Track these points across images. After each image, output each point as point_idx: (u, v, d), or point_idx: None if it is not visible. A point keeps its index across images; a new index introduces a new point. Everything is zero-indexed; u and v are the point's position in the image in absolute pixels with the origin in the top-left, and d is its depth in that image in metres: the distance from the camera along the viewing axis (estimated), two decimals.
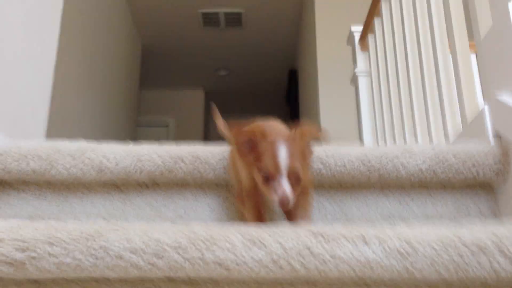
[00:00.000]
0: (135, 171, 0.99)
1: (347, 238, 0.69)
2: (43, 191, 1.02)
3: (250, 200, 0.85)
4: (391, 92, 1.87)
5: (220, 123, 0.99)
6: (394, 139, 1.80)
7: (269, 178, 0.75)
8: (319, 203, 1.02)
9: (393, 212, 1.00)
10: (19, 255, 0.68)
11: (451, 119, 1.31)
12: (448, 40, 1.33)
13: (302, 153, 0.78)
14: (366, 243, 0.69)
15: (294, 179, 0.75)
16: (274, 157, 0.74)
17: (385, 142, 1.90)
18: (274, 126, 0.85)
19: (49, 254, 0.68)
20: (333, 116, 3.32)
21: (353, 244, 0.69)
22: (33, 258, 0.68)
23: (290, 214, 0.85)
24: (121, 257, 0.68)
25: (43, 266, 0.68)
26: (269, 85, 5.99)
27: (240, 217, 0.93)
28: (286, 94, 5.94)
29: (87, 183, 1.02)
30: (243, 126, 0.81)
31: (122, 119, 4.62)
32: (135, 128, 5.22)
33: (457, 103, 1.26)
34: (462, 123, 1.20)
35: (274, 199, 0.75)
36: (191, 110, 6.17)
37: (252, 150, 0.78)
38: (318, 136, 0.81)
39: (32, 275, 0.70)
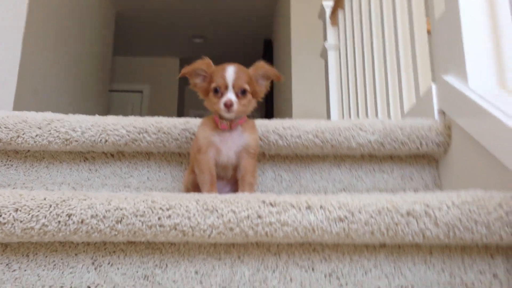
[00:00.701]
0: (101, 141, 1.03)
1: (294, 205, 0.76)
2: (10, 160, 1.05)
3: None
4: (356, 67, 1.93)
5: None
6: (358, 112, 1.87)
7: (219, 91, 0.92)
8: (276, 173, 1.09)
9: (344, 181, 1.07)
10: None
11: (407, 94, 1.38)
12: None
13: (250, 79, 0.95)
14: (310, 209, 0.76)
15: (240, 91, 0.92)
16: (223, 75, 0.92)
17: (350, 114, 1.97)
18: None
19: (15, 219, 0.73)
20: (305, 87, 3.38)
21: (298, 211, 0.76)
22: (2, 223, 0.73)
23: (236, 177, 0.94)
24: (83, 222, 0.74)
25: (10, 231, 0.73)
26: (244, 54, 5.98)
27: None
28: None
29: (54, 153, 1.06)
30: (195, 63, 0.98)
31: (95, 86, 4.58)
32: (109, 94, 5.18)
33: (413, 80, 1.33)
34: (416, 98, 1.27)
35: (220, 104, 0.91)
36: (166, 77, 6.14)
37: (205, 78, 0.96)
38: (270, 71, 0.97)
39: (1, 239, 0.75)
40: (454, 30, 1.02)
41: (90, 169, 1.07)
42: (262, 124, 1.07)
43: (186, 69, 0.97)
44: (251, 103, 0.95)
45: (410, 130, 1.04)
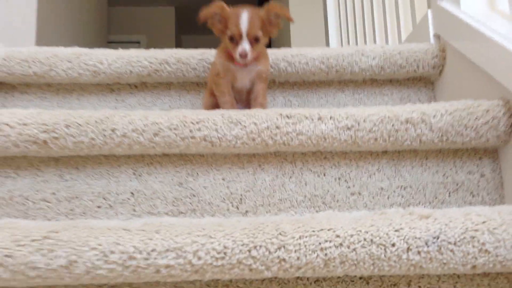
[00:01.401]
0: (126, 72, 1.13)
1: (307, 116, 0.87)
2: (44, 92, 1.15)
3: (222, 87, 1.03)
4: None
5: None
6: (356, 41, 1.95)
7: (234, 39, 0.98)
8: (286, 99, 1.19)
9: (348, 104, 1.18)
10: (42, 135, 0.83)
11: (404, 22, 1.46)
12: None
13: (263, 22, 0.99)
14: (321, 119, 0.87)
15: (253, 39, 0.98)
16: (237, 24, 0.97)
17: (348, 41, 2.05)
18: (244, 5, 1.04)
19: (67, 134, 0.84)
20: (303, 20, 3.41)
21: (311, 121, 0.87)
22: (54, 138, 0.84)
23: (250, 101, 1.05)
24: (125, 136, 0.85)
25: (62, 144, 0.84)
26: None
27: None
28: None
29: (83, 85, 1.16)
30: (210, 6, 1.00)
31: (93, 37, 4.59)
32: (106, 45, 5.19)
33: (409, 7, 1.41)
34: (412, 24, 1.36)
35: (236, 53, 0.98)
36: (163, 27, 6.11)
37: (220, 21, 1.01)
38: (281, 12, 1.01)
39: (53, 152, 0.86)
40: None
41: (116, 100, 1.17)
42: (272, 52, 1.16)
43: (203, 14, 1.01)
44: (264, 42, 1.02)
45: (408, 54, 1.13)
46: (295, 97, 1.19)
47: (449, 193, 0.90)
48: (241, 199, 0.89)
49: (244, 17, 0.97)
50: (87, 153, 0.87)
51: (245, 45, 0.97)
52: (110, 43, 5.56)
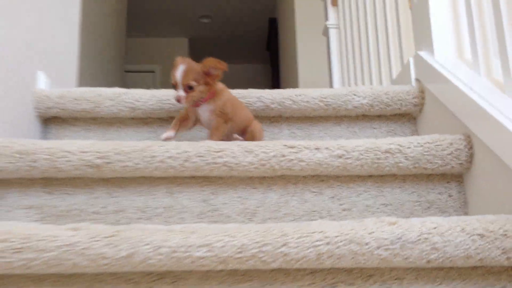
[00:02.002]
0: (158, 109, 1.36)
1: (306, 147, 1.09)
2: (89, 125, 1.38)
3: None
4: (354, 42, 2.23)
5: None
6: (356, 80, 2.18)
7: (174, 86, 1.19)
8: (290, 131, 1.42)
9: (343, 136, 1.40)
10: (97, 161, 1.06)
11: (394, 64, 1.69)
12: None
13: (200, 74, 1.19)
14: (318, 149, 1.09)
15: (187, 87, 1.18)
16: (174, 74, 1.18)
17: (349, 82, 2.28)
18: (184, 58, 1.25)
19: (116, 160, 1.06)
20: (310, 63, 3.67)
21: (310, 150, 1.09)
22: (106, 162, 1.06)
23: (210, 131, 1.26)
24: (162, 161, 1.07)
25: (112, 168, 1.07)
26: (251, 32, 6.25)
27: None
28: (267, 41, 6.22)
29: (122, 119, 1.39)
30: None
31: (112, 67, 4.89)
32: (124, 74, 5.48)
33: (399, 53, 1.64)
34: (401, 67, 1.58)
35: (174, 98, 1.18)
36: (176, 57, 6.41)
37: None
38: (217, 65, 1.20)
39: (104, 175, 1.08)
40: (425, 15, 1.33)
41: (149, 131, 1.39)
42: (278, 93, 1.38)
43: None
44: (203, 90, 1.20)
45: (393, 94, 1.36)
46: (299, 129, 1.41)
47: (423, 210, 1.11)
48: (253, 213, 1.10)
49: (180, 69, 1.18)
50: (131, 175, 1.09)
51: (180, 92, 1.18)
52: (127, 72, 5.86)
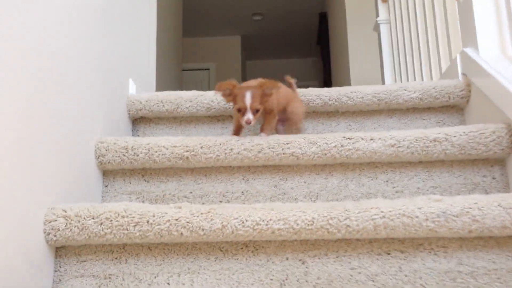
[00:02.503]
0: (229, 107, 1.57)
1: (362, 138, 1.26)
2: (171, 124, 1.61)
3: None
4: (405, 38, 2.35)
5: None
6: (407, 76, 2.30)
7: (241, 111, 1.28)
8: (347, 124, 1.58)
9: (395, 127, 1.55)
10: (186, 153, 1.28)
11: (443, 60, 1.81)
12: None
13: (261, 96, 1.28)
14: (372, 140, 1.25)
15: (255, 111, 1.27)
16: (243, 100, 1.26)
17: (401, 78, 2.41)
18: (248, 83, 1.37)
19: (201, 152, 1.27)
20: (361, 57, 3.78)
21: (366, 141, 1.25)
22: (193, 155, 1.28)
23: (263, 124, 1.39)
24: (239, 153, 1.27)
25: (198, 159, 1.28)
26: (301, 28, 6.39)
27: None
28: (317, 36, 6.34)
29: (199, 117, 1.61)
30: (224, 83, 1.31)
31: (171, 66, 5.19)
32: (181, 72, 5.79)
33: (447, 49, 1.76)
34: (449, 63, 1.71)
35: (242, 121, 1.27)
36: (229, 54, 6.68)
37: (230, 95, 1.31)
38: (272, 86, 1.29)
39: (191, 165, 1.30)
40: (469, 13, 1.45)
41: (222, 127, 1.60)
42: (335, 90, 1.55)
43: (219, 87, 1.30)
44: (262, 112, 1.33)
45: (441, 88, 1.49)
46: (354, 122, 1.57)
47: (469, 191, 1.25)
48: (317, 195, 1.28)
49: (247, 96, 1.26)
50: (213, 165, 1.30)
51: (249, 115, 1.26)
52: (184, 71, 6.17)
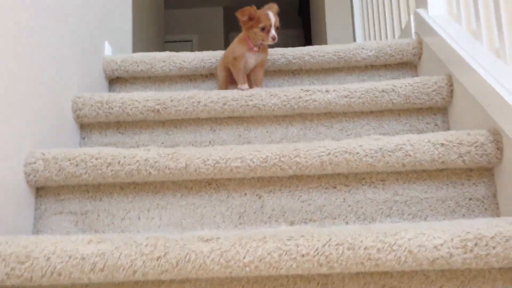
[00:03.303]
0: (200, 67, 1.67)
1: (319, 90, 1.38)
2: (146, 83, 1.72)
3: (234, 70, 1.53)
4: (373, 5, 2.45)
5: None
6: (375, 34, 2.41)
7: (265, 29, 1.45)
8: (310, 81, 1.70)
9: (354, 83, 1.67)
10: (157, 107, 1.39)
11: (404, 20, 1.92)
12: None
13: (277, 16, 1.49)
14: (328, 91, 1.37)
15: (277, 29, 1.46)
16: (268, 18, 1.45)
17: (370, 36, 2.51)
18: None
19: (172, 105, 1.38)
20: (337, 23, 3.87)
21: (322, 92, 1.37)
22: (164, 108, 1.39)
23: (251, 80, 1.56)
24: (206, 105, 1.38)
25: (169, 112, 1.39)
26: None
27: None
28: (299, 7, 6.38)
29: (172, 77, 1.71)
30: (245, 9, 1.48)
31: (153, 38, 5.23)
32: (164, 44, 5.83)
33: (407, 10, 1.87)
34: (406, 23, 1.82)
35: (268, 38, 1.45)
36: (212, 26, 6.71)
37: (250, 19, 1.47)
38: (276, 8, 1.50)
39: (162, 118, 1.41)
40: None
41: (194, 86, 1.71)
42: (299, 49, 1.66)
43: (241, 12, 1.48)
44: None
45: (395, 46, 1.61)
46: (317, 80, 1.69)
47: None
48: (279, 142, 1.41)
49: (272, 15, 1.46)
50: (182, 117, 1.42)
51: (273, 32, 1.45)
52: (167, 42, 6.21)
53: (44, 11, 1.23)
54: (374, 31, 2.43)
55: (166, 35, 6.21)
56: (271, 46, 1.60)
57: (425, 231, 0.82)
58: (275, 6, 1.51)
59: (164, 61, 1.66)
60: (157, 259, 0.83)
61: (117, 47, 1.89)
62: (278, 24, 1.47)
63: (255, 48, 1.50)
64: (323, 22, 4.16)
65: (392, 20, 2.06)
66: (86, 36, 1.54)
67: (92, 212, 1.16)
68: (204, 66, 1.67)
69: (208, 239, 0.85)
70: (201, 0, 6.51)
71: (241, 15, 1.49)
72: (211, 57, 1.68)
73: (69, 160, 1.13)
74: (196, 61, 1.67)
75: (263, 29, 1.46)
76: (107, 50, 1.72)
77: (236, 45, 1.55)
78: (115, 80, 1.73)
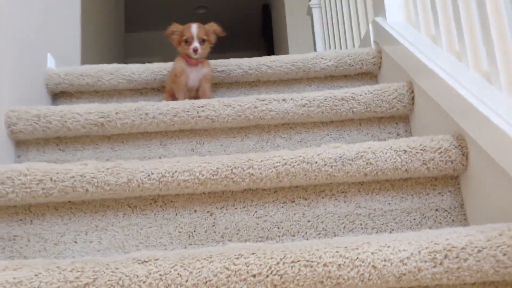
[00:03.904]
0: (151, 80, 1.57)
1: (275, 99, 1.29)
2: (93, 97, 1.60)
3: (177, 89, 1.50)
4: (332, 16, 2.42)
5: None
6: (335, 46, 2.37)
7: (188, 41, 1.45)
8: (267, 93, 1.62)
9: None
10: (101, 120, 1.27)
11: (363, 28, 1.88)
12: None
13: (206, 32, 1.49)
14: (284, 100, 1.29)
15: (201, 41, 1.47)
16: (190, 31, 1.46)
17: (330, 48, 2.47)
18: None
19: (117, 118, 1.27)
20: (298, 43, 3.86)
21: (278, 102, 1.29)
22: (109, 121, 1.27)
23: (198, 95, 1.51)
24: (154, 117, 1.28)
25: (113, 125, 1.28)
26: (245, 19, 6.42)
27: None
28: (262, 29, 6.39)
29: (121, 91, 1.60)
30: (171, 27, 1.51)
31: (113, 61, 5.10)
32: None
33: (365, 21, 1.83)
34: (364, 33, 1.78)
35: (190, 50, 1.45)
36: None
37: (179, 35, 1.48)
38: (217, 30, 1.53)
39: (107, 132, 1.29)
40: None
41: (145, 99, 1.60)
42: (256, 60, 1.59)
43: (166, 33, 1.52)
44: (207, 47, 1.50)
45: (355, 56, 1.55)
46: (275, 92, 1.61)
47: None
48: None
49: (194, 26, 1.45)
50: (129, 131, 1.30)
51: (196, 44, 1.44)
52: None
53: None
54: (335, 43, 2.39)
55: (128, 58, 6.09)
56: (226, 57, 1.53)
57: (390, 243, 0.74)
58: (211, 26, 1.52)
59: (112, 74, 1.55)
60: (84, 287, 0.71)
61: (62, 60, 1.77)
62: (203, 35, 1.47)
63: (191, 60, 1.49)
64: (285, 40, 4.14)
65: (352, 30, 2.03)
66: (24, 45, 1.42)
67: (21, 237, 1.02)
68: (155, 79, 1.57)
69: (145, 261, 0.74)
70: (162, 22, 6.44)
71: (167, 34, 1.52)
72: (163, 69, 1.58)
73: None
74: (147, 73, 1.57)
75: (186, 41, 1.46)
76: (50, 63, 1.60)
77: (175, 62, 1.54)
78: (59, 95, 1.61)
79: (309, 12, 2.87)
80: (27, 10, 1.45)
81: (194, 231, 1.03)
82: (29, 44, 1.46)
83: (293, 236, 1.03)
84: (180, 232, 1.03)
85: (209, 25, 1.50)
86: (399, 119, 1.33)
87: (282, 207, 1.04)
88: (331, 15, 2.47)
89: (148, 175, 1.00)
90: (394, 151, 1.01)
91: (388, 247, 0.73)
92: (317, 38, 2.78)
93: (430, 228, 1.02)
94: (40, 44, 1.55)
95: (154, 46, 6.63)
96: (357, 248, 0.73)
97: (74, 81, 1.55)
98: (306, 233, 1.03)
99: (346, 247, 0.73)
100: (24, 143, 1.32)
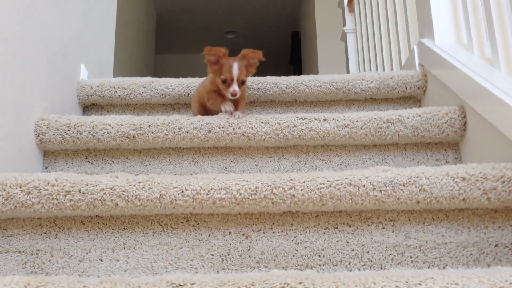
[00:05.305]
0: (184, 95, 1.52)
1: (316, 118, 1.22)
2: (124, 111, 1.55)
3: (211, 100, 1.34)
4: (369, 41, 2.36)
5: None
6: (370, 68, 2.29)
7: (226, 82, 1.25)
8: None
9: None
10: (132, 132, 1.22)
11: (403, 55, 1.81)
12: None
13: (246, 67, 1.28)
14: (326, 120, 1.22)
15: (241, 82, 1.26)
16: (230, 71, 1.24)
17: (365, 69, 2.40)
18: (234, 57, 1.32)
19: (149, 131, 1.22)
20: (330, 67, 3.81)
21: (319, 121, 1.22)
22: (140, 134, 1.22)
23: (236, 106, 1.32)
24: (188, 132, 1.22)
25: (145, 139, 1.22)
26: (274, 46, 6.43)
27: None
28: (290, 54, 6.39)
29: (153, 105, 1.55)
30: (214, 48, 1.28)
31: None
32: None
33: (407, 43, 1.76)
34: (408, 56, 1.70)
35: (228, 93, 1.25)
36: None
37: (216, 63, 1.28)
38: (256, 55, 1.29)
39: (138, 145, 1.24)
40: (426, 6, 1.46)
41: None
42: (294, 78, 1.52)
43: (209, 50, 1.28)
44: (246, 86, 1.33)
45: (398, 78, 1.48)
46: (312, 112, 1.54)
47: None
48: None
49: (235, 67, 1.25)
50: (161, 146, 1.25)
51: (235, 87, 1.24)
52: None
53: (16, 19, 1.08)
54: (370, 67, 2.32)
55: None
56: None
57: (457, 279, 0.64)
58: (249, 54, 1.30)
59: (145, 87, 1.51)
60: None
61: (95, 73, 1.74)
62: (243, 77, 1.27)
63: (229, 95, 1.26)
64: (315, 66, 4.10)
65: (390, 54, 1.95)
66: (59, 54, 1.39)
67: (44, 252, 0.96)
68: (188, 94, 1.52)
69: (180, 285, 0.66)
70: (193, 46, 6.51)
71: (208, 52, 1.29)
72: (197, 84, 1.53)
73: (20, 187, 0.94)
74: (180, 87, 1.52)
75: (224, 81, 1.26)
76: (83, 74, 1.57)
77: (210, 79, 1.37)
78: (90, 107, 1.57)
79: (344, 38, 2.82)
80: (65, 19, 1.43)
81: (228, 254, 0.95)
82: (64, 53, 1.43)
83: (335, 265, 0.94)
84: (212, 255, 0.95)
85: (244, 56, 1.29)
86: (448, 145, 1.24)
87: (324, 233, 0.95)
88: (367, 40, 2.41)
89: (182, 191, 0.93)
90: (451, 177, 0.91)
91: (456, 284, 0.64)
92: (350, 63, 2.72)
93: (489, 265, 0.92)
94: (75, 55, 1.53)
95: (183, 69, 6.69)
96: (419, 284, 0.64)
97: (106, 93, 1.51)
98: (349, 263, 0.93)
99: (407, 282, 0.64)
100: (53, 153, 1.27)
